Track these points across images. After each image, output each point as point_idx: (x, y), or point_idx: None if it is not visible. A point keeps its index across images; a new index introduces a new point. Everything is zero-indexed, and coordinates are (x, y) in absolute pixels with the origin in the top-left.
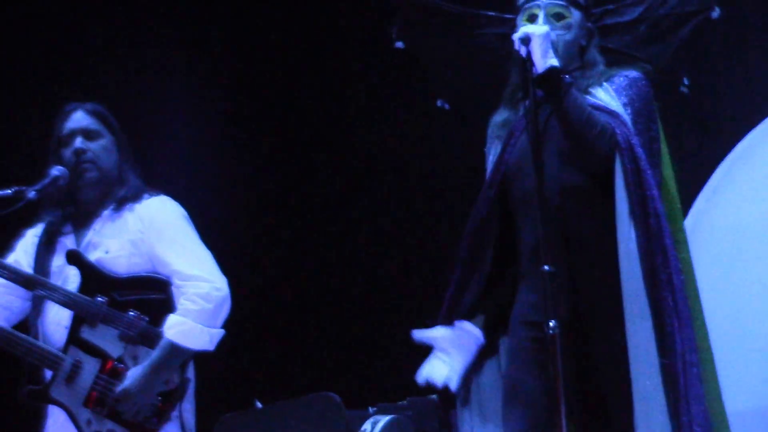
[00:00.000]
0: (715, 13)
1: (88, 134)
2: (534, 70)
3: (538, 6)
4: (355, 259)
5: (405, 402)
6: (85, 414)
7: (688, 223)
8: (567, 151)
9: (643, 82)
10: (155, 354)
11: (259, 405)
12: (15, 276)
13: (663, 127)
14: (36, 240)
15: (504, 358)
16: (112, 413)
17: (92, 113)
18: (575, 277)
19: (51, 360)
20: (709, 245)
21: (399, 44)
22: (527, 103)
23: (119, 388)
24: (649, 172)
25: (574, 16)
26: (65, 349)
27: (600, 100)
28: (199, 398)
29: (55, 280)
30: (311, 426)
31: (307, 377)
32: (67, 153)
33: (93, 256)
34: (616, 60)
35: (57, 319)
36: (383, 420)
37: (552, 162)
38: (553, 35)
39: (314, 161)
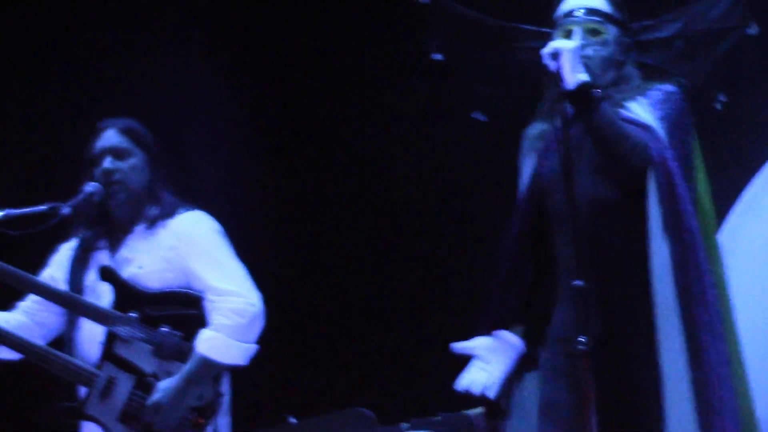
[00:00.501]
0: (753, 29)
1: (118, 153)
2: (563, 85)
3: (575, 22)
4: (389, 273)
5: (438, 417)
6: (119, 429)
7: (722, 237)
8: (601, 166)
9: (679, 96)
10: (186, 367)
11: (292, 420)
12: (50, 294)
13: (698, 141)
14: (70, 255)
15: (541, 373)
16: (145, 428)
17: (123, 131)
18: (608, 292)
19: (86, 376)
20: (743, 259)
21: (437, 56)
22: (558, 118)
23: (150, 400)
24: (682, 186)
25: (611, 31)
26: (100, 365)
27: (634, 114)
28: (233, 413)
29: (89, 295)
30: None
31: (340, 392)
32: (98, 173)
33: (126, 272)
34: (651, 74)
35: (91, 335)
36: None
37: (586, 177)
38: (590, 51)
39: (354, 175)
